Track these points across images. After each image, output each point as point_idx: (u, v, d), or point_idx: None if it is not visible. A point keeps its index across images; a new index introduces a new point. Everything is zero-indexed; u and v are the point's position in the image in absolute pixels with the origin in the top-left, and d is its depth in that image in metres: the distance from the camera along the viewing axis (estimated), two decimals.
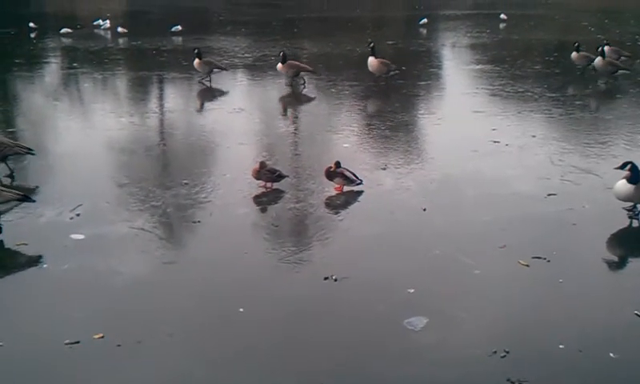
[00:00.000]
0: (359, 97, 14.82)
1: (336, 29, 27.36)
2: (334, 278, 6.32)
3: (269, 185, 8.69)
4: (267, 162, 8.85)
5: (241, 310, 5.80)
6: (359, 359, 5.21)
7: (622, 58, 17.55)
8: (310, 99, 14.92)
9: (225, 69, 16.54)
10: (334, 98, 14.69)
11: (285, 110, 14.13)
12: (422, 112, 13.43)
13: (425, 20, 27.77)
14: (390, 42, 23.16)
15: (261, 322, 5.66)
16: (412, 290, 6.13)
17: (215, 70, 15.96)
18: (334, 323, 5.70)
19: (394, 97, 14.54)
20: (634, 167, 7.50)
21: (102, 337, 5.38)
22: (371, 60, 15.25)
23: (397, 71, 15.49)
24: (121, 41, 23.96)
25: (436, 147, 10.91)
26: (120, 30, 25.27)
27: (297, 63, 15.87)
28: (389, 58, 16.46)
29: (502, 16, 30.04)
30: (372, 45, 15.41)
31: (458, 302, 6.02)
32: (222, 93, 15.19)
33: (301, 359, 5.22)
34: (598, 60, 15.78)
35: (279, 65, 15.37)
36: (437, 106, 13.98)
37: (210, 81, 15.73)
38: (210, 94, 15.14)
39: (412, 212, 8.04)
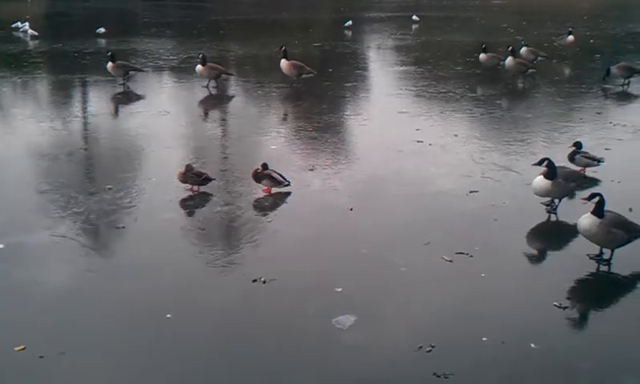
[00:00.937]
0: (286, 99, 14.85)
1: (262, 31, 27.30)
2: (262, 280, 6.33)
3: (195, 188, 8.61)
4: (193, 165, 8.77)
5: (168, 316, 5.73)
6: (288, 360, 5.23)
7: (539, 58, 18.20)
8: (237, 101, 14.87)
9: (141, 70, 16.26)
10: (262, 100, 14.67)
11: (211, 113, 14.01)
12: (348, 113, 13.57)
13: (350, 22, 28.03)
14: (317, 44, 23.30)
15: (189, 327, 5.61)
16: (340, 289, 6.20)
17: (131, 72, 15.64)
18: (263, 325, 5.71)
19: (321, 98, 14.63)
20: (550, 163, 7.80)
21: (24, 349, 5.22)
22: (283, 62, 15.22)
23: (311, 74, 15.48)
24: (40, 43, 23.22)
25: (362, 147, 11.05)
26: (31, 32, 24.41)
27: (217, 66, 15.71)
28: (316, 59, 16.58)
29: (414, 17, 30.72)
30: (283, 48, 15.38)
31: (385, 298, 6.12)
32: (146, 96, 14.93)
33: (229, 362, 5.21)
34: (509, 60, 16.31)
35: (199, 66, 15.20)
36: (363, 107, 14.14)
37: (126, 84, 15.41)
38: (134, 97, 14.86)
39: (339, 212, 8.12)
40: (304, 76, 15.43)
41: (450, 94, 15.24)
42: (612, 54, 21.83)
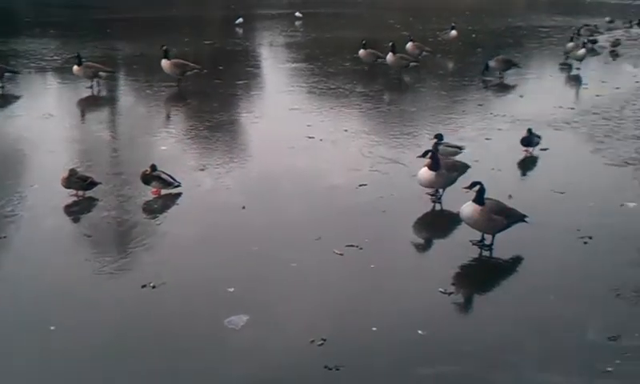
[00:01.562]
0: (177, 98, 14.61)
1: (151, 29, 26.67)
2: (151, 285, 6.22)
3: (80, 193, 8.33)
4: (78, 170, 8.48)
5: (52, 328, 5.53)
6: (179, 364, 5.17)
7: (424, 53, 18.78)
8: (125, 101, 14.51)
9: (16, 72, 15.55)
10: (151, 99, 14.36)
11: (98, 114, 13.55)
12: (239, 111, 13.52)
13: (241, 19, 27.89)
14: (208, 42, 23.04)
15: (74, 339, 5.44)
16: (232, 289, 6.19)
17: (6, 74, 14.88)
18: (153, 331, 5.62)
19: (212, 97, 14.49)
20: (434, 155, 8.08)
21: None
22: (164, 62, 14.95)
23: (196, 69, 15.27)
24: None
25: (254, 145, 11.06)
26: None
27: (94, 64, 15.18)
28: (206, 57, 16.38)
29: (297, 14, 31.07)
30: (165, 48, 15.08)
31: (277, 295, 6.17)
32: (27, 98, 14.25)
33: (117, 372, 5.09)
34: (390, 55, 16.72)
35: (75, 67, 14.67)
36: (254, 105, 14.12)
37: (5, 86, 14.67)
38: (12, 99, 14.14)
39: (231, 211, 8.09)
40: (188, 73, 15.22)
41: (340, 89, 15.48)
42: (493, 47, 22.85)
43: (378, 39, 19.27)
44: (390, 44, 16.90)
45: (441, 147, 9.43)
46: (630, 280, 6.47)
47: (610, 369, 5.12)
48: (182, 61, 15.37)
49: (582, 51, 18.00)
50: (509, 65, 16.86)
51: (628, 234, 7.50)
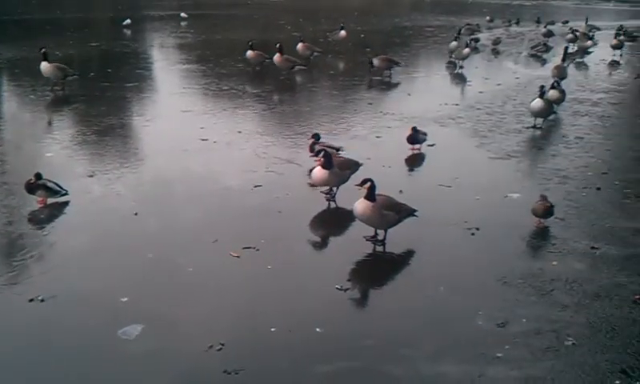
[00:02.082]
0: (62, 102, 14.06)
1: (34, 32, 25.53)
2: (40, 298, 5.97)
3: None
4: None
5: None
6: (71, 379, 5.01)
7: (315, 53, 18.99)
8: (7, 107, 13.80)
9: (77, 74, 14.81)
10: (35, 104, 13.74)
11: None
12: (130, 114, 13.17)
13: (128, 21, 27.19)
14: (94, 44, 22.31)
15: None
16: (125, 299, 6.03)
17: None
18: (43, 346, 5.39)
19: (100, 100, 14.04)
20: (326, 154, 8.19)
21: None
22: (44, 65, 14.39)
23: (75, 75, 14.80)
24: None
25: (146, 149, 10.81)
26: None
27: None
28: (93, 60, 15.86)
29: (182, 15, 30.79)
30: (43, 50, 14.49)
31: (174, 302, 6.07)
32: None
33: None
34: (277, 57, 16.74)
35: None
36: (145, 108, 13.81)
37: None
38: None
39: (123, 218, 7.89)
40: (69, 78, 14.71)
41: (232, 91, 15.40)
42: (381, 47, 23.41)
43: (268, 40, 19.32)
44: (277, 45, 16.95)
45: (316, 147, 9.50)
46: (515, 268, 6.81)
47: (500, 355, 5.37)
48: (62, 65, 14.83)
49: (467, 50, 18.76)
50: (391, 63, 17.37)
51: (512, 224, 7.89)
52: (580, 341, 5.55)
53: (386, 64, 17.23)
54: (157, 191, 8.87)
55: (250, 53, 17.54)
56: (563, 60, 17.89)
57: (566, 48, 20.70)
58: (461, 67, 18.62)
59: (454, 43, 19.71)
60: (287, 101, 14.65)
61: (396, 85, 16.88)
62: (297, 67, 17.12)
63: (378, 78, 17.12)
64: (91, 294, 6.18)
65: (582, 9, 43.38)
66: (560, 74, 16.25)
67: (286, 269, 6.79)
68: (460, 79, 18.00)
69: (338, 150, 9.79)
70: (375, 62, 17.01)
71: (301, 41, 18.88)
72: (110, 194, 8.64)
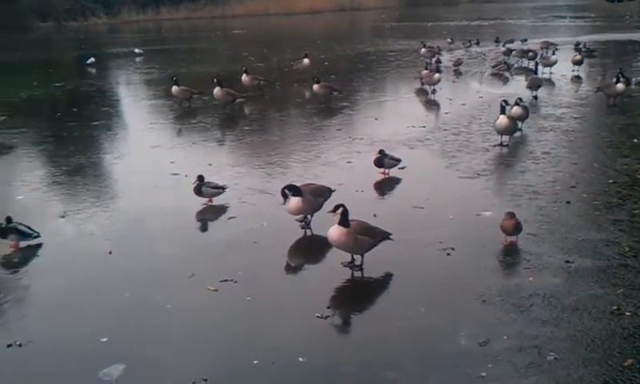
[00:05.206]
0: (30, 143, 13.94)
1: None
2: (17, 343, 5.88)
3: None
4: None
5: None
6: None
7: (261, 83, 19.15)
8: None
9: None
10: (2, 147, 13.58)
11: None
12: (98, 152, 13.08)
13: (92, 59, 27.10)
14: (59, 84, 22.19)
15: None
16: (105, 339, 5.96)
17: None
18: None
19: (67, 140, 13.96)
20: (291, 187, 8.20)
21: None
22: None
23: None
24: None
25: (117, 186, 10.74)
26: None
27: None
28: (58, 100, 15.74)
29: (137, 50, 30.87)
30: None
31: (154, 340, 6.02)
32: None
33: None
34: (217, 90, 16.61)
35: None
36: (114, 145, 13.72)
37: None
38: None
39: (97, 258, 7.81)
40: None
41: (201, 124, 15.41)
42: (345, 73, 23.69)
43: (234, 71, 19.40)
44: (214, 80, 16.86)
45: (203, 189, 9.45)
46: (493, 286, 6.88)
47: (483, 374, 5.40)
48: None
49: (437, 76, 18.93)
50: (331, 90, 17.59)
51: (487, 242, 7.97)
52: (562, 355, 5.61)
53: (325, 90, 17.45)
54: (130, 229, 8.81)
55: (175, 88, 17.27)
56: (535, 72, 20.00)
57: (536, 63, 21.67)
58: (433, 92, 18.81)
59: (426, 71, 19.83)
60: (256, 131, 14.68)
61: (363, 110, 17.04)
62: (238, 100, 17.10)
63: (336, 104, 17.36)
64: (70, 336, 6.10)
65: (538, 27, 44.39)
66: (535, 82, 17.99)
67: (265, 299, 6.77)
68: (425, 101, 18.21)
69: (223, 189, 9.67)
70: (315, 87, 17.23)
71: (245, 72, 18.93)
72: (82, 235, 8.56)
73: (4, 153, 13.20)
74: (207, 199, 9.51)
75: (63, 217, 9.18)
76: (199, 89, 17.60)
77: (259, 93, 19.04)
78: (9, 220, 7.97)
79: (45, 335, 6.07)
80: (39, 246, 8.11)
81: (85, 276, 7.40)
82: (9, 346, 5.86)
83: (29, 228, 8.09)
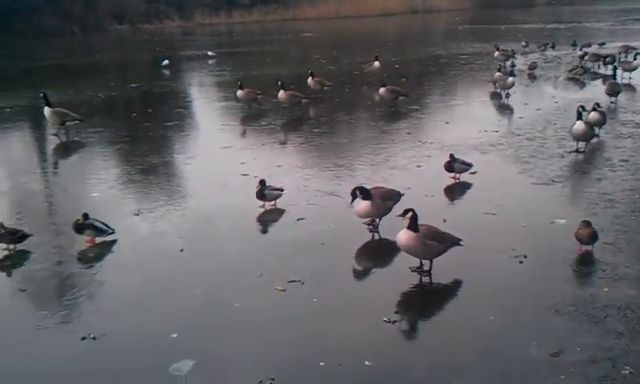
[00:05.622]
0: (106, 142, 14.38)
1: (76, 75, 26.27)
2: (92, 336, 6.06)
3: (11, 247, 8.06)
4: (7, 223, 8.21)
5: None
6: None
7: (325, 87, 19.10)
8: (56, 150, 14.13)
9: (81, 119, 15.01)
10: (80, 146, 14.10)
11: (27, 164, 13.10)
12: (171, 152, 13.39)
13: (166, 61, 27.77)
14: (134, 85, 22.82)
15: None
16: (175, 335, 6.09)
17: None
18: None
19: (142, 140, 14.34)
20: (361, 189, 8.20)
21: None
22: (46, 110, 14.50)
23: (76, 120, 14.73)
24: None
25: (188, 186, 10.95)
26: None
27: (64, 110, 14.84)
28: (134, 101, 16.18)
29: (210, 53, 31.29)
30: (43, 94, 14.65)
31: (222, 337, 6.10)
32: None
33: None
34: (281, 93, 16.72)
35: (45, 109, 14.41)
36: (186, 146, 14.02)
37: None
38: None
39: (169, 255, 7.99)
40: (68, 123, 14.72)
41: (271, 125, 15.56)
42: (416, 76, 23.50)
43: (303, 74, 19.49)
44: (279, 83, 16.92)
45: (267, 192, 9.42)
46: (566, 296, 6.68)
47: None
48: (63, 109, 14.97)
49: (511, 79, 18.55)
50: (397, 94, 17.32)
51: (561, 250, 7.75)
52: (638, 370, 5.39)
53: (391, 94, 17.23)
54: (201, 228, 8.97)
55: (240, 92, 17.43)
56: (614, 77, 19.58)
57: (615, 68, 21.13)
58: (507, 96, 18.40)
59: (498, 74, 19.38)
60: (325, 133, 14.72)
61: (434, 113, 16.86)
62: (303, 101, 17.14)
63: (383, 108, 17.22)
64: (142, 330, 6.26)
65: (617, 30, 42.91)
66: (614, 88, 17.40)
67: (332, 301, 6.77)
68: (498, 106, 17.86)
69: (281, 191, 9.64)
70: (381, 91, 17.06)
71: (311, 75, 18.96)
72: (155, 232, 8.77)
73: (81, 151, 13.66)
74: (269, 203, 9.51)
75: (137, 214, 9.42)
76: (263, 91, 17.65)
77: (324, 96, 19.05)
78: (86, 216, 8.24)
79: (118, 329, 6.24)
80: (114, 242, 8.35)
81: (157, 273, 7.58)
82: (83, 338, 6.06)
83: (104, 224, 8.34)
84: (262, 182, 9.45)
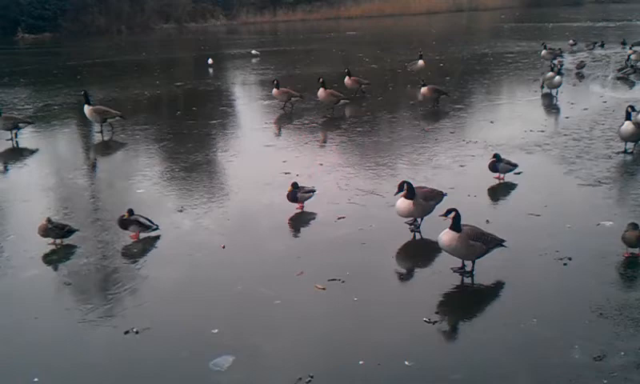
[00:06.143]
0: (151, 140, 14.59)
1: (122, 73, 26.74)
2: (134, 330, 6.16)
3: (58, 241, 8.25)
4: (54, 218, 8.41)
5: (35, 380, 5.44)
6: None
7: (363, 86, 19.04)
8: (101, 146, 14.41)
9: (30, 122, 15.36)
10: (125, 142, 14.33)
11: (74, 160, 13.41)
12: (215, 150, 13.53)
13: (210, 60, 28.06)
14: (179, 84, 23.11)
15: None
16: (216, 331, 6.15)
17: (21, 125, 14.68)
18: (138, 378, 5.56)
19: (186, 137, 14.51)
20: (409, 185, 8.15)
21: None
22: (86, 108, 14.73)
23: (118, 117, 15.07)
24: None
25: (231, 184, 11.04)
26: None
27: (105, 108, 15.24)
28: (179, 99, 16.37)
29: (253, 52, 31.42)
30: (83, 92, 14.89)
31: (262, 334, 6.14)
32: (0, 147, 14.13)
33: None
34: (321, 91, 16.65)
35: (85, 107, 14.75)
36: (229, 143, 14.14)
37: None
38: None
39: (211, 251, 8.07)
40: (109, 120, 15.06)
41: (313, 124, 15.58)
42: (461, 75, 23.25)
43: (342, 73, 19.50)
44: (320, 80, 16.82)
45: (299, 194, 9.33)
46: (611, 299, 6.54)
47: None
48: (103, 107, 15.24)
49: (557, 78, 18.24)
50: (439, 93, 17.12)
51: (606, 253, 7.59)
52: None
53: (433, 94, 17.03)
54: (243, 224, 9.04)
55: (275, 91, 17.36)
56: None
57: None
58: (554, 95, 18.06)
59: (550, 74, 18.97)
60: (367, 132, 14.67)
61: (478, 113, 16.66)
62: (342, 101, 17.08)
63: (424, 107, 17.06)
64: (183, 325, 6.33)
65: None
66: None
67: (372, 301, 6.75)
68: (545, 105, 17.57)
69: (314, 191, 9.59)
70: (423, 91, 16.87)
71: (348, 74, 18.88)
72: (198, 228, 8.87)
73: (126, 148, 13.90)
74: (298, 205, 9.51)
75: (181, 211, 9.54)
76: (300, 92, 17.65)
77: (366, 94, 19.00)
78: (131, 212, 8.38)
79: (160, 323, 6.33)
80: (158, 237, 8.48)
81: (199, 268, 7.66)
82: (126, 332, 6.16)
83: (149, 220, 8.47)
84: (294, 185, 9.43)
